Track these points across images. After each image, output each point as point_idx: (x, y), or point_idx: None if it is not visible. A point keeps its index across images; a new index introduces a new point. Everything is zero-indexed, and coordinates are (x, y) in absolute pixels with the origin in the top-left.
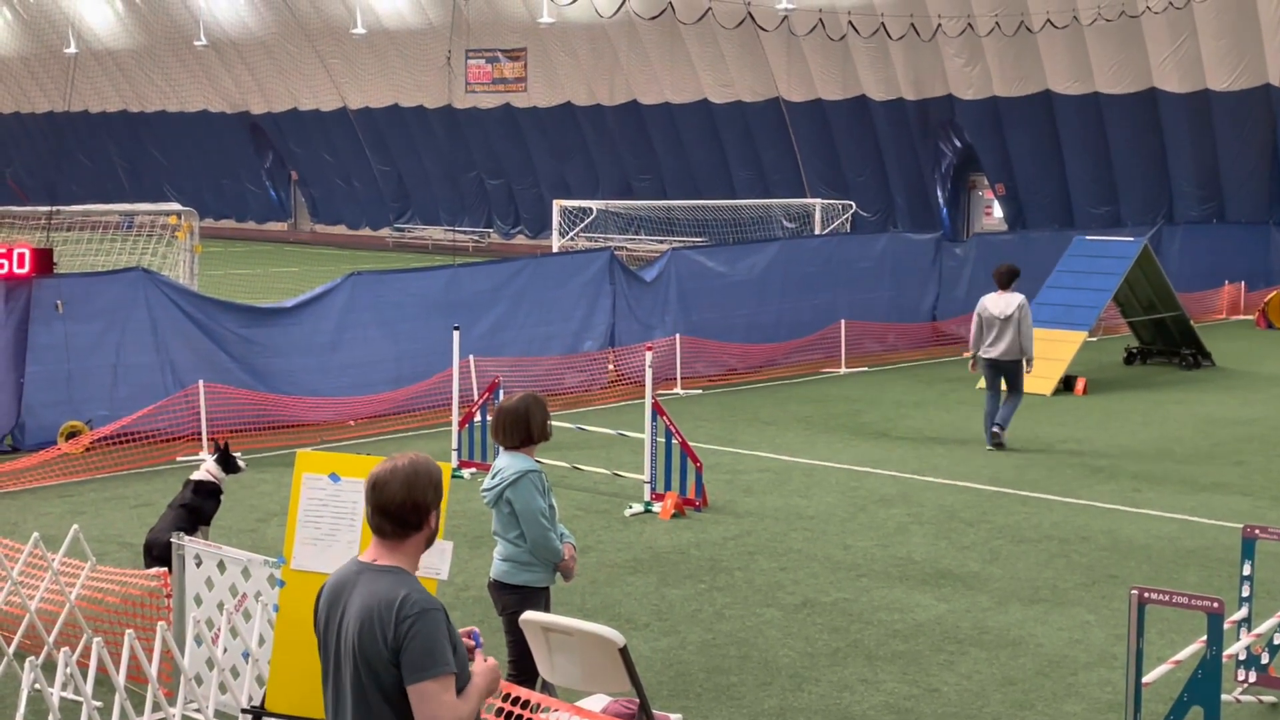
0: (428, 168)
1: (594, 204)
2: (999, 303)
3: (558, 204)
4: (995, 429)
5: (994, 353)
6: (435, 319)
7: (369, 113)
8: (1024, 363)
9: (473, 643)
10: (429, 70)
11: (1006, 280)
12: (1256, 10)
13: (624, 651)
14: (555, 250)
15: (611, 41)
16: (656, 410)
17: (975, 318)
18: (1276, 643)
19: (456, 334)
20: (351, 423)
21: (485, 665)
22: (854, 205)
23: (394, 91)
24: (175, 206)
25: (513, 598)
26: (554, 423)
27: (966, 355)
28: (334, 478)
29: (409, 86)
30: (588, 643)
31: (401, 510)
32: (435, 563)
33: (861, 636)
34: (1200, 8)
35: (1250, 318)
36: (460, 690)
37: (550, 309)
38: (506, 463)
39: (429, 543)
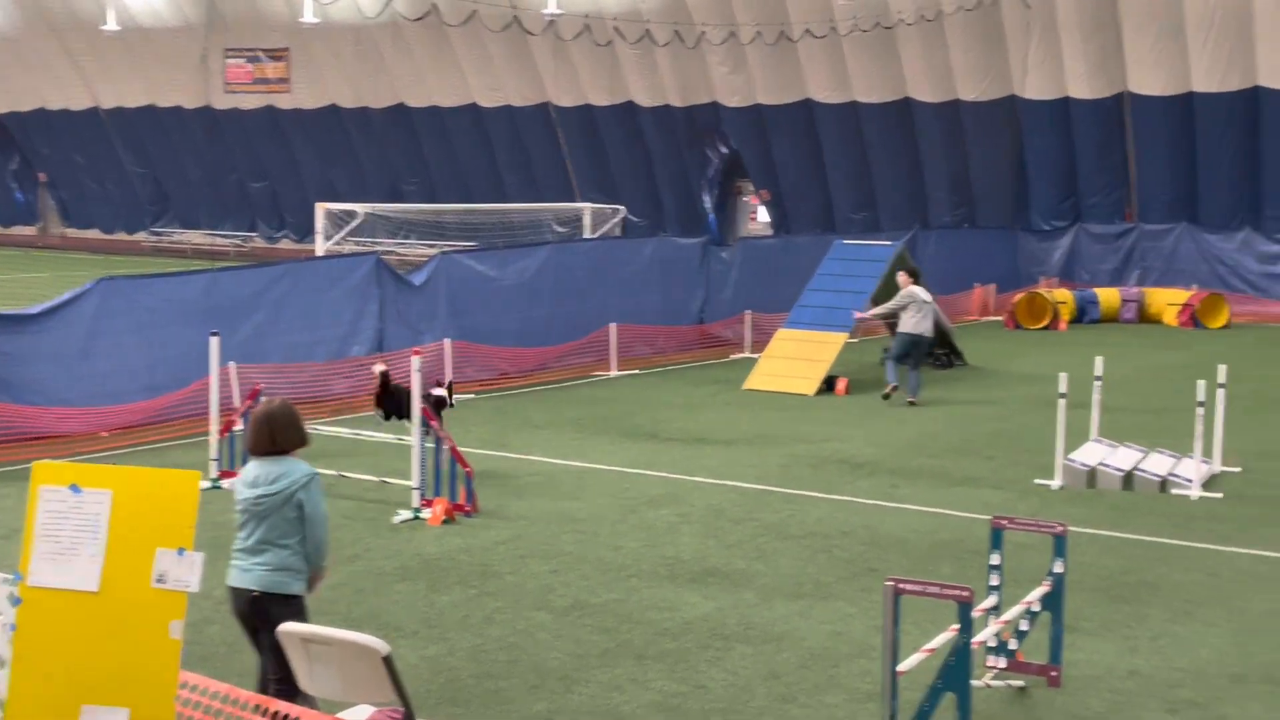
0: (186, 170)
1: (360, 207)
2: (925, 294)
3: (321, 207)
4: (911, 400)
5: (921, 329)
6: (193, 325)
7: (123, 112)
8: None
9: None
10: (186, 69)
11: (919, 276)
12: (1002, 23)
13: (388, 660)
14: (320, 254)
15: (377, 43)
16: (425, 416)
17: (904, 299)
18: (1024, 629)
19: (215, 340)
20: (104, 433)
21: None
22: (624, 210)
23: (149, 91)
24: None
25: (288, 609)
26: (325, 429)
27: (871, 313)
28: (74, 489)
29: (165, 86)
30: (349, 652)
31: None
32: (185, 575)
33: (631, 636)
34: (950, 20)
35: (1000, 319)
36: None
37: (315, 314)
38: (285, 466)
39: None
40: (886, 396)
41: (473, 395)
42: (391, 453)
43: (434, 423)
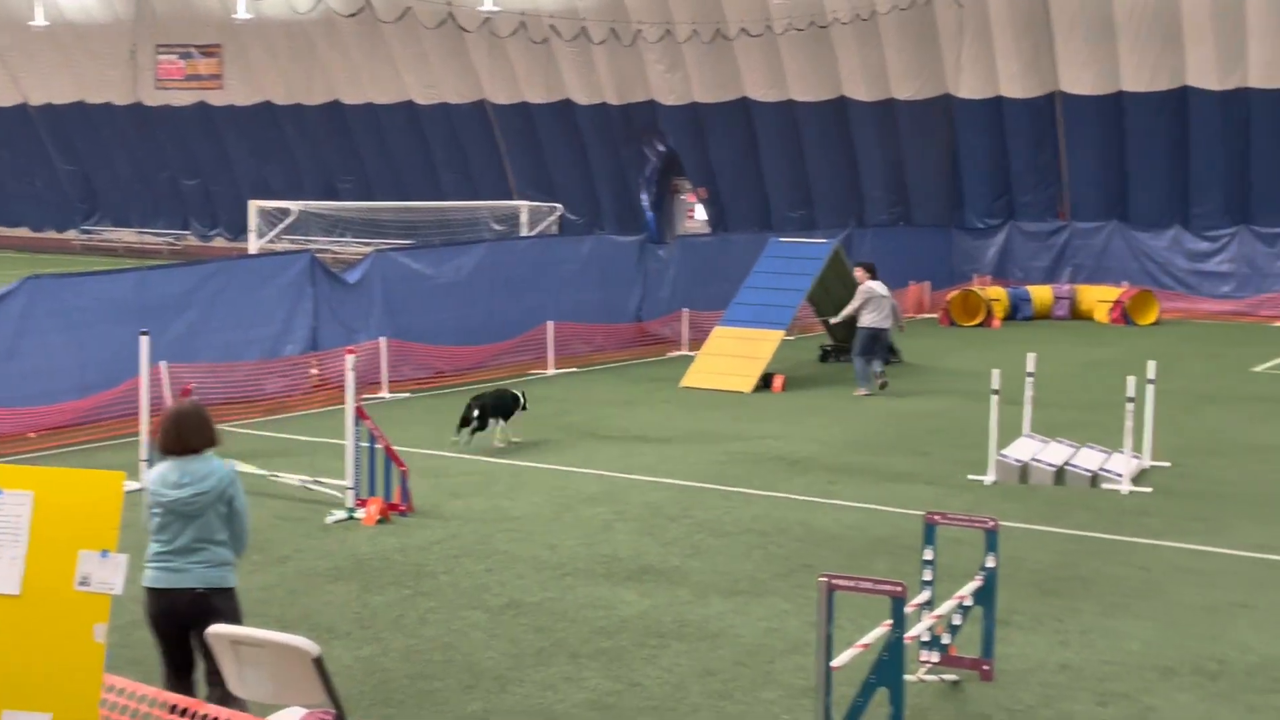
0: (117, 167)
1: (294, 205)
2: (882, 288)
3: (254, 205)
4: (881, 382)
5: (882, 322)
6: (124, 324)
7: (52, 109)
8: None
9: None
10: (116, 65)
11: (875, 272)
12: (936, 23)
13: (318, 661)
14: (253, 252)
15: (311, 39)
16: (359, 415)
17: (862, 296)
18: (957, 624)
19: (145, 339)
20: (32, 434)
21: None
22: (561, 208)
23: (79, 87)
24: None
25: (230, 601)
26: (256, 431)
27: (835, 319)
28: None
29: (95, 82)
30: (280, 654)
31: None
32: (109, 577)
33: (566, 635)
34: (885, 20)
35: (935, 316)
36: None
37: (248, 313)
38: (208, 465)
39: None
40: (883, 387)
41: (408, 394)
42: (325, 452)
43: (367, 420)
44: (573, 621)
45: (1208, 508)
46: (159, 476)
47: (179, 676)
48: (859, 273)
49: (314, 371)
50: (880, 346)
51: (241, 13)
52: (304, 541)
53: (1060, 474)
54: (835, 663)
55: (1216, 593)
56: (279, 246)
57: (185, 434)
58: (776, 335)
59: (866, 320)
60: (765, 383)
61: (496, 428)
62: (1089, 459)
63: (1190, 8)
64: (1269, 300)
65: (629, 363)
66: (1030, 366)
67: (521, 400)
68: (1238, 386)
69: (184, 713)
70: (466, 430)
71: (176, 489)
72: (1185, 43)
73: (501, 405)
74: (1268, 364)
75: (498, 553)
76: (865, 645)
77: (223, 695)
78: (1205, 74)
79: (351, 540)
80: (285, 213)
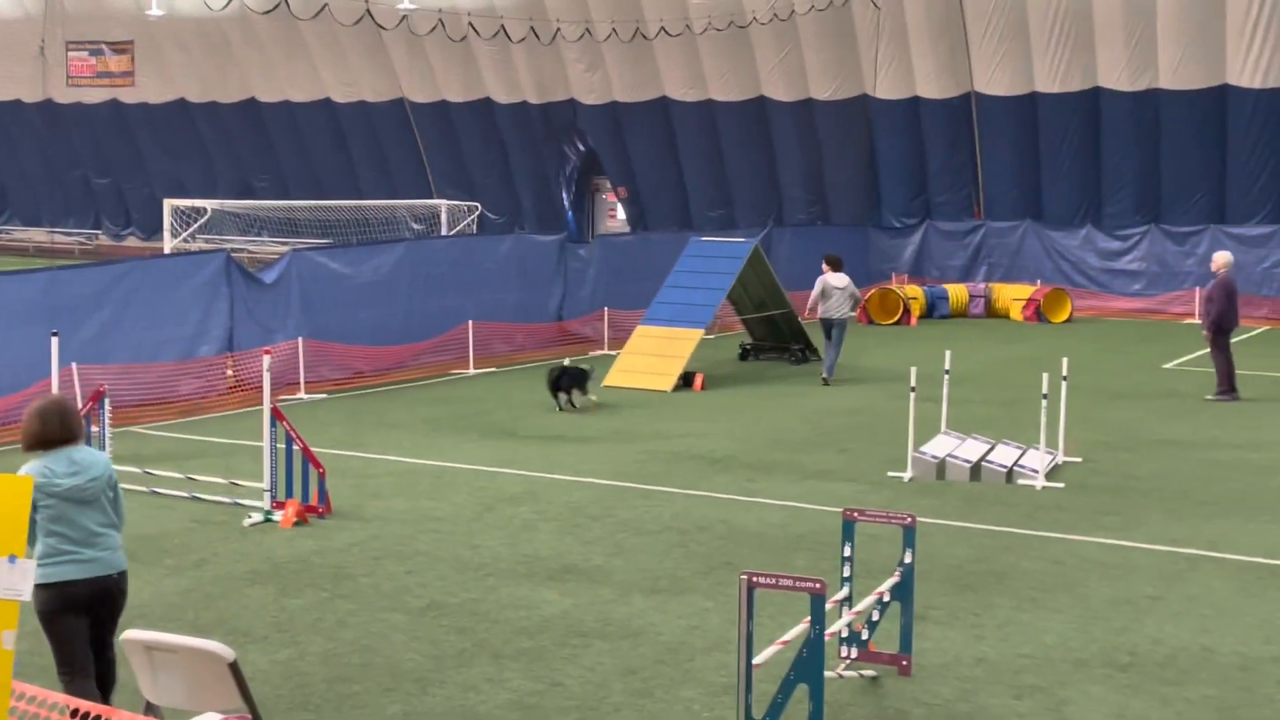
0: (27, 166)
1: (209, 204)
2: (837, 280)
3: (169, 204)
4: (825, 376)
5: (832, 313)
6: (33, 325)
7: None
8: (850, 319)
9: None
10: (25, 62)
11: (838, 265)
12: (853, 24)
13: (234, 666)
14: (167, 252)
15: (226, 36)
16: (276, 416)
17: (819, 287)
18: (876, 619)
19: (55, 340)
20: None
21: None
22: (480, 207)
23: None
24: None
25: (128, 583)
26: (170, 433)
27: (809, 318)
28: None
29: (4, 79)
30: (194, 659)
31: None
32: (16, 584)
33: (488, 636)
34: (803, 21)
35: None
36: None
37: (162, 313)
38: (90, 452)
39: None
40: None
41: (326, 395)
42: (242, 454)
43: (284, 421)
44: (495, 622)
45: (1120, 502)
46: (42, 469)
47: (86, 675)
48: (824, 266)
49: (230, 372)
50: (837, 333)
51: (154, 9)
52: (220, 545)
53: (976, 470)
54: (756, 660)
55: (1129, 586)
56: (194, 246)
57: (70, 423)
58: (696, 334)
59: (820, 310)
60: (686, 381)
61: (576, 395)
62: (1004, 455)
63: (1102, 11)
64: (1178, 298)
65: (550, 362)
66: (947, 364)
67: (591, 372)
68: (1148, 383)
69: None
70: (561, 396)
71: (70, 477)
72: (1097, 45)
73: (577, 378)
74: (1177, 361)
75: (419, 554)
76: (785, 642)
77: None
78: (1116, 75)
79: (269, 543)
80: (200, 211)
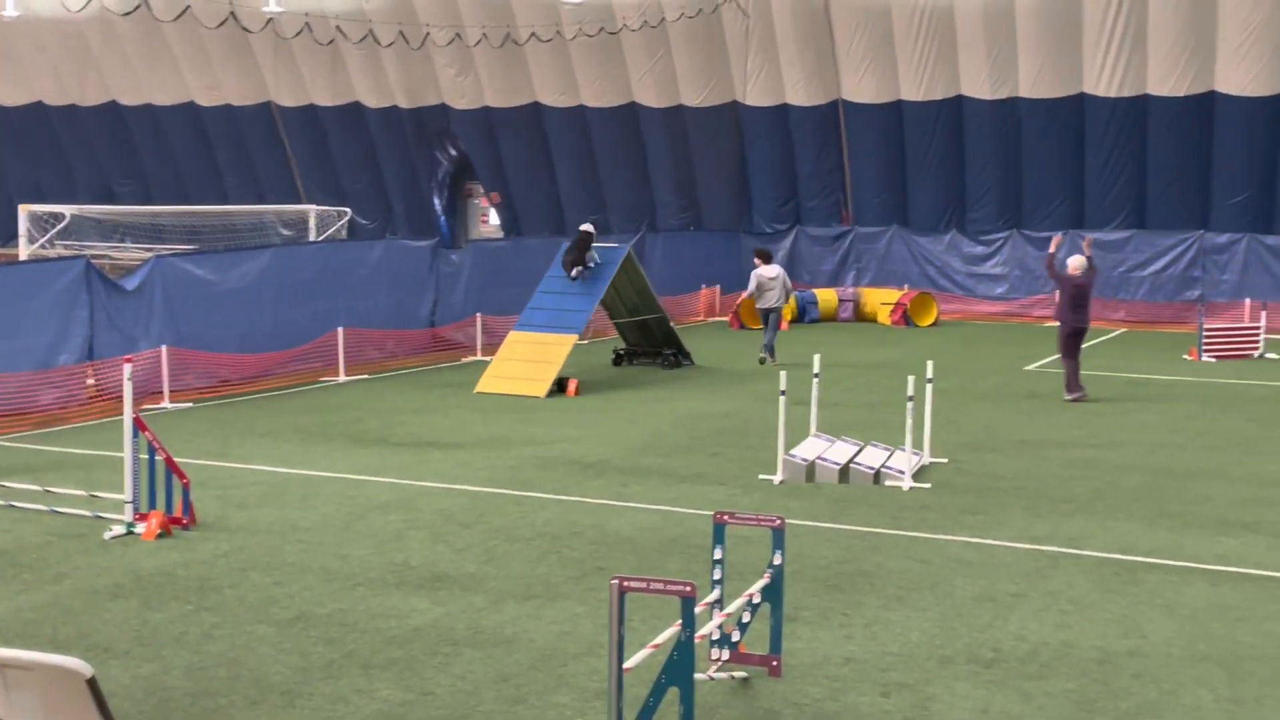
0: None
1: (68, 209)
2: (769, 271)
3: (25, 209)
4: (764, 355)
5: (769, 303)
6: None
7: None
8: (784, 308)
9: None
10: None
11: (768, 258)
12: (723, 31)
13: (92, 682)
14: (23, 259)
15: (85, 38)
16: (138, 426)
17: (754, 281)
18: (746, 621)
19: None
20: None
21: None
22: (350, 212)
23: None
24: None
25: None
26: (28, 445)
27: (745, 297)
28: None
29: None
30: (49, 676)
31: None
32: None
33: (357, 646)
34: (673, 28)
35: (725, 319)
36: None
37: (18, 321)
38: None
39: None
40: (762, 363)
41: (191, 404)
42: (103, 466)
43: (146, 431)
44: (364, 632)
45: (983, 501)
46: None
47: None
48: (756, 260)
49: (90, 382)
50: (772, 319)
51: (9, 10)
52: (80, 559)
53: (845, 472)
54: (627, 664)
55: (991, 583)
56: (52, 252)
57: None
58: (570, 339)
59: (758, 301)
60: (560, 387)
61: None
62: (872, 457)
63: (964, 21)
64: (1039, 301)
65: (422, 369)
66: (816, 367)
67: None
68: (1011, 384)
69: None
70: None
71: None
72: (959, 54)
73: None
74: (1038, 363)
75: (286, 564)
76: (656, 645)
77: None
78: (978, 84)
79: (131, 556)
80: (58, 217)
